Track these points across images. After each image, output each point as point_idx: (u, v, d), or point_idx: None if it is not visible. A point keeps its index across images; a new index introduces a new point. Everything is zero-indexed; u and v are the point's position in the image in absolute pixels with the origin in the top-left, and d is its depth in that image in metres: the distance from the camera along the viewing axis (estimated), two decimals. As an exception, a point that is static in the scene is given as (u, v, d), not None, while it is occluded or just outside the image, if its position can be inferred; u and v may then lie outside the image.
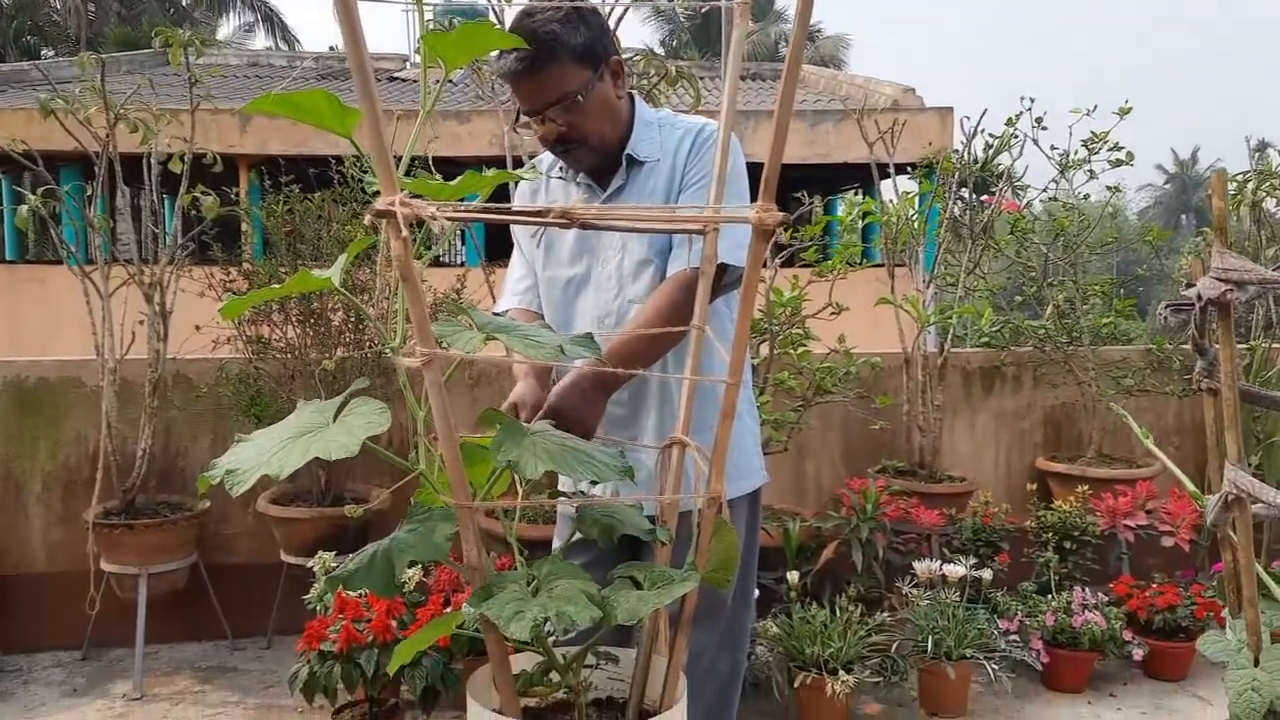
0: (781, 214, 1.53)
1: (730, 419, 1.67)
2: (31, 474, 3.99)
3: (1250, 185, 4.65)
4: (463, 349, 1.56)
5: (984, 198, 4.91)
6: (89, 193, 3.80)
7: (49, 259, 11.09)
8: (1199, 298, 1.06)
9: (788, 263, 4.16)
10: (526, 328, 1.71)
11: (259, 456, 1.46)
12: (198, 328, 3.75)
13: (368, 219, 1.45)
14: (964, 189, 4.70)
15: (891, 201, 4.60)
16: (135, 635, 3.63)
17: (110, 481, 3.76)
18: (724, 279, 2.07)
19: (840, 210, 4.58)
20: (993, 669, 3.35)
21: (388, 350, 1.59)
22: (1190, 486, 1.27)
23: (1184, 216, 43.40)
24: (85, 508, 3.77)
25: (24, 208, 3.42)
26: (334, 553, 3.38)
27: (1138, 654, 3.64)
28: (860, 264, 4.27)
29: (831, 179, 11.88)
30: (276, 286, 1.63)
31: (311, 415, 1.55)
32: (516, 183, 2.34)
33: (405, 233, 1.38)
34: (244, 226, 4.29)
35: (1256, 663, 1.10)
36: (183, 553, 3.77)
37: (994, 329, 5.01)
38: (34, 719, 3.37)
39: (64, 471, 4.01)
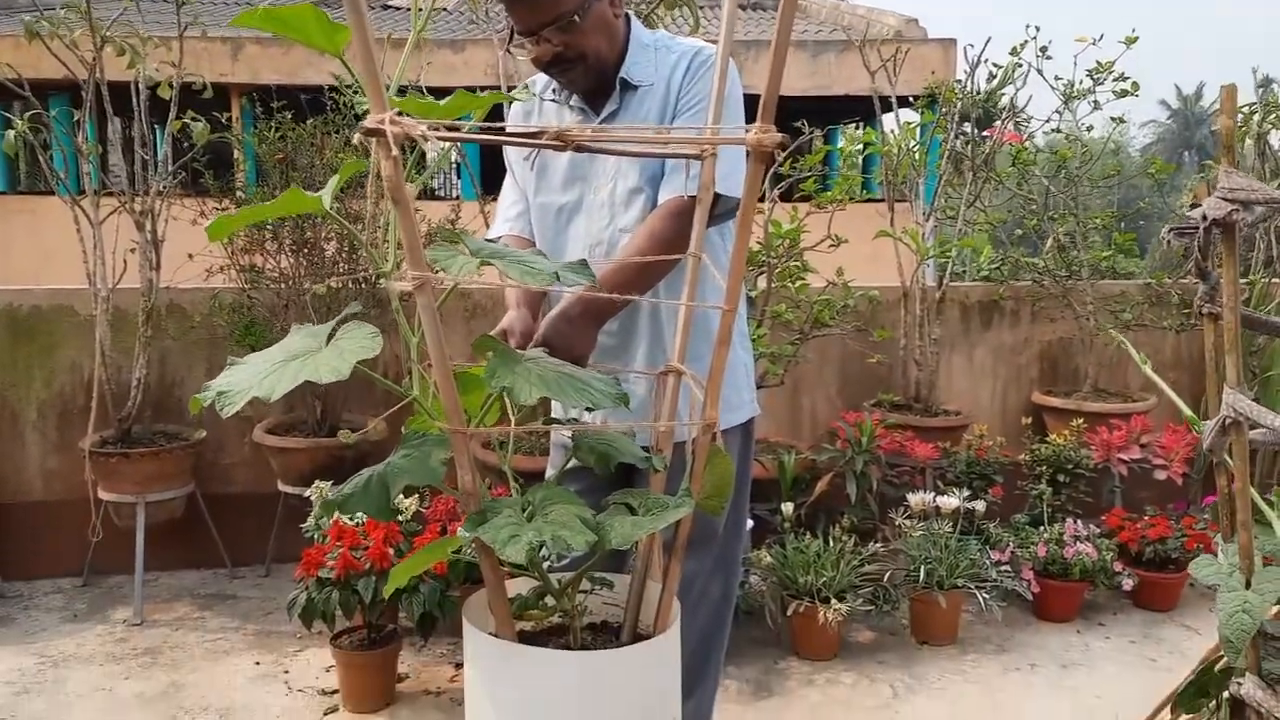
0: (781, 135, 1.50)
1: (726, 345, 1.65)
2: (27, 402, 3.99)
3: (1256, 118, 4.59)
4: (456, 273, 1.54)
5: (986, 131, 4.85)
6: (77, 119, 3.72)
7: (40, 190, 10.96)
8: (1204, 218, 1.04)
9: (786, 196, 4.11)
10: (521, 254, 1.69)
11: (250, 379, 1.45)
12: (190, 256, 3.71)
13: (357, 138, 1.42)
14: (966, 123, 4.63)
15: (893, 132, 4.54)
16: (134, 563, 3.66)
17: (106, 410, 3.76)
18: (717, 209, 2.03)
19: (841, 143, 4.50)
20: (984, 598, 3.39)
21: (381, 278, 1.57)
22: (1187, 411, 1.26)
23: (1187, 154, 42.98)
24: (81, 436, 3.78)
25: (11, 133, 3.37)
26: (330, 483, 3.39)
27: (1127, 584, 3.68)
28: (860, 194, 4.23)
29: (832, 112, 11.73)
30: (265, 205, 1.60)
31: (303, 339, 1.54)
32: (510, 105, 2.30)
33: (395, 152, 1.35)
34: (236, 155, 4.22)
35: (1248, 586, 1.10)
36: (179, 482, 3.78)
37: (993, 265, 4.98)
38: (35, 643, 3.41)
39: (59, 400, 4.01)
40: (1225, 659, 1.19)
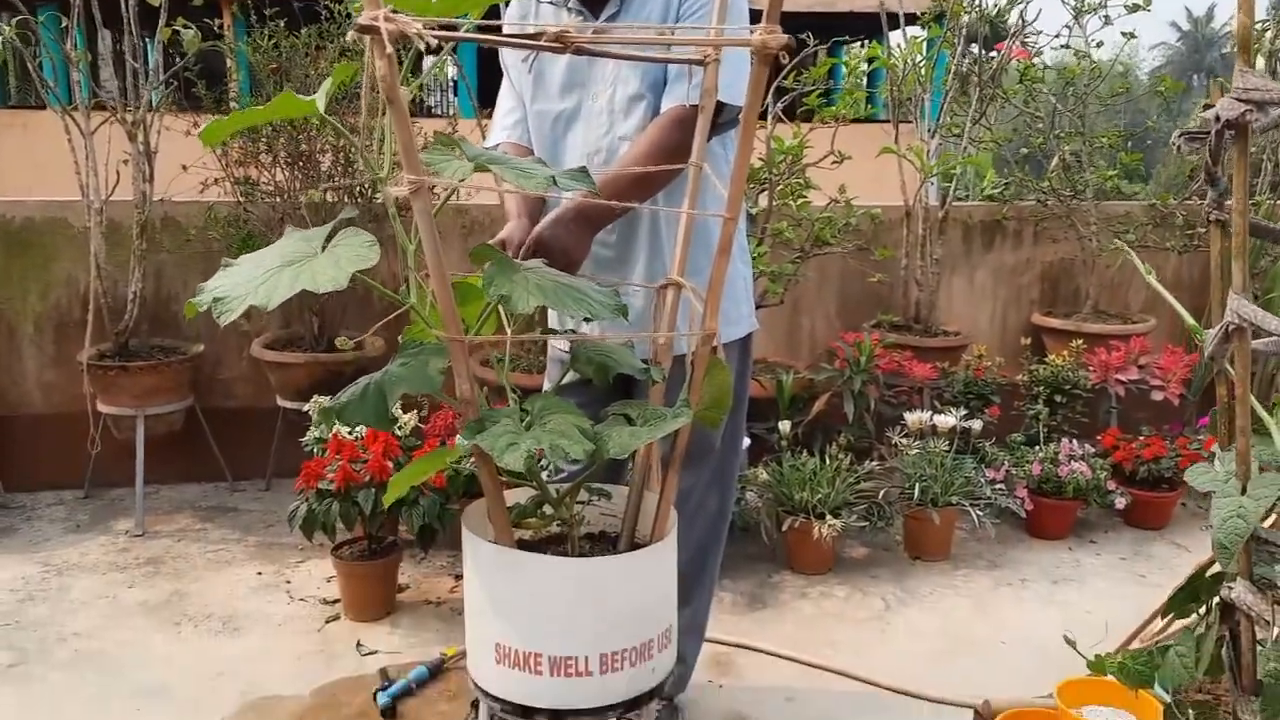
0: (786, 37, 1.46)
1: (727, 255, 1.64)
2: (23, 315, 3.97)
3: (1269, 35, 4.49)
4: (452, 176, 1.52)
5: (995, 47, 4.75)
6: (65, 25, 3.63)
7: (31, 104, 10.78)
8: (1216, 119, 1.02)
9: (788, 113, 4.04)
10: (518, 160, 1.66)
11: (246, 284, 1.44)
12: (184, 168, 3.67)
13: (351, 36, 1.38)
14: (973, 44, 4.53)
15: (899, 46, 4.45)
16: (135, 475, 3.69)
17: (102, 324, 3.75)
18: (720, 118, 1.99)
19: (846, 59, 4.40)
20: (977, 515, 3.42)
21: (376, 184, 1.54)
22: (1189, 320, 1.25)
23: (1196, 77, 42.25)
24: (78, 350, 3.77)
25: (-2, 39, 3.30)
26: (329, 397, 3.39)
27: (1120, 503, 3.72)
28: (865, 110, 4.16)
29: (838, 29, 11.50)
30: (259, 109, 1.57)
31: (298, 243, 1.52)
32: (507, 3, 2.24)
33: (390, 49, 1.32)
34: (229, 64, 4.14)
35: (1244, 492, 1.11)
36: (178, 395, 3.78)
37: (996, 189, 4.92)
38: (39, 553, 3.45)
39: (55, 313, 3.99)
40: (1217, 565, 1.20)
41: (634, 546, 1.78)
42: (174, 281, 4.03)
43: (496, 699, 1.59)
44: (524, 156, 2.04)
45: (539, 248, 1.88)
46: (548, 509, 1.74)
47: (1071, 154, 4.61)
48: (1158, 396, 4.07)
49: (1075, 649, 1.60)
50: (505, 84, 2.28)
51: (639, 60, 2.01)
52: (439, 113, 13.03)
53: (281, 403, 3.86)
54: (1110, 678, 1.55)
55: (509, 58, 2.23)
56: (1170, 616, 1.40)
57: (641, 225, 2.18)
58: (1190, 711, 1.45)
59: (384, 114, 1.57)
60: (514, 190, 1.81)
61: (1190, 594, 1.31)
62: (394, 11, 1.33)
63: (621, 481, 1.99)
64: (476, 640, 1.67)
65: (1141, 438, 3.90)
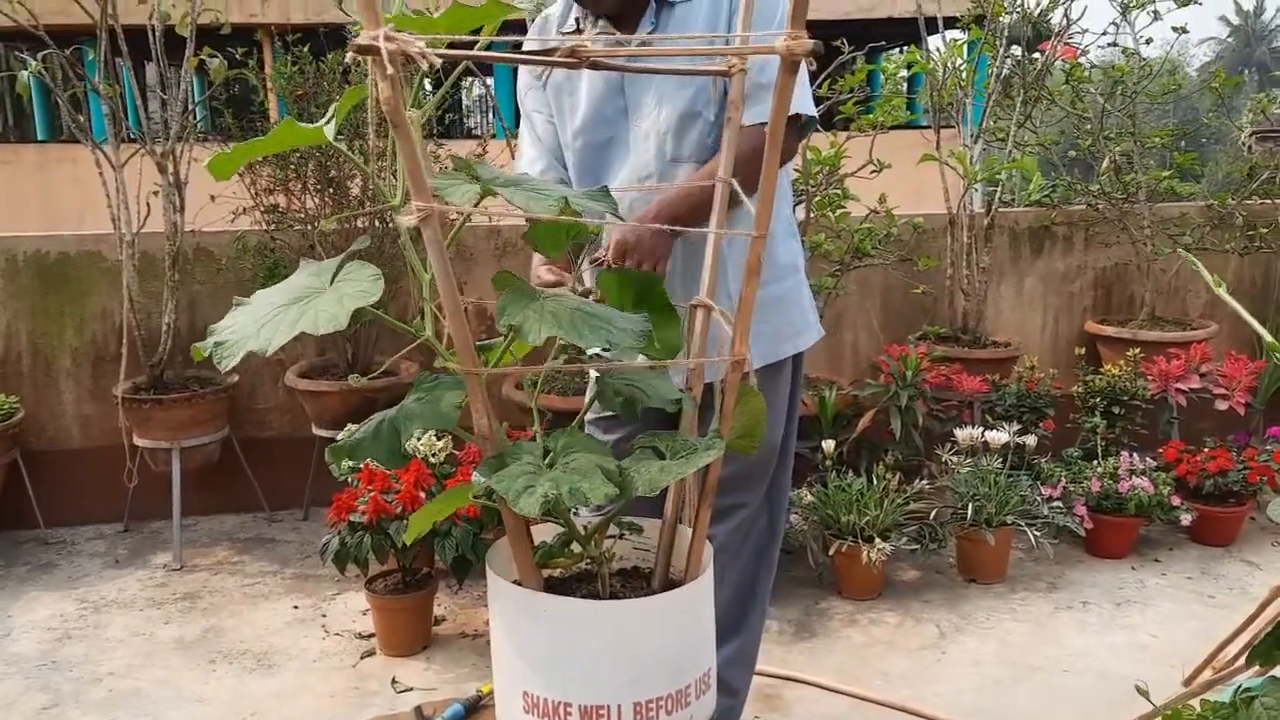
0: (812, 42, 1.36)
1: (756, 275, 1.54)
2: (60, 350, 3.97)
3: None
4: (459, 202, 1.44)
5: (1040, 47, 4.60)
6: (90, 57, 3.63)
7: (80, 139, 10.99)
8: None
9: (823, 122, 3.93)
10: (533, 180, 1.57)
11: (247, 327, 1.36)
12: (213, 198, 3.64)
13: (349, 56, 1.31)
14: (1015, 46, 4.38)
15: (938, 50, 4.32)
16: (172, 508, 3.66)
17: (137, 357, 3.73)
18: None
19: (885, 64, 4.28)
20: (1034, 535, 3.28)
21: (390, 211, 1.47)
22: (1267, 336, 1.13)
23: (1246, 72, 41.33)
24: (115, 383, 3.76)
25: (24, 73, 3.29)
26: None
27: (1186, 519, 3.54)
28: (905, 116, 4.04)
29: (876, 36, 11.37)
30: (261, 139, 1.50)
31: (308, 278, 1.44)
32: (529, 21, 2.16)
33: (390, 70, 1.24)
34: (263, 96, 4.12)
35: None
36: (214, 427, 3.76)
37: (1043, 193, 4.77)
38: (77, 589, 3.43)
39: (91, 348, 3.99)
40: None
41: (669, 584, 1.68)
42: (208, 312, 4.01)
43: (524, 752, 1.50)
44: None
45: (622, 245, 1.81)
46: (575, 546, 1.65)
47: (1122, 155, 4.44)
48: (1222, 406, 3.89)
49: (1148, 699, 1.47)
50: (524, 132, 2.18)
51: (681, 74, 1.92)
52: (479, 134, 13.08)
53: (317, 431, 3.82)
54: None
55: (530, 105, 2.15)
56: (1244, 644, 1.28)
57: (701, 246, 2.10)
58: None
59: (393, 142, 1.50)
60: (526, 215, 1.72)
61: (1277, 639, 1.18)
62: (396, 30, 1.26)
63: (661, 509, 1.90)
64: (504, 687, 1.58)
65: (1206, 450, 3.72)
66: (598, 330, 1.46)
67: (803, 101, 1.98)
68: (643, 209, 2.02)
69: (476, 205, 1.44)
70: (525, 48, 2.09)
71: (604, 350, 1.50)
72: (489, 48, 1.51)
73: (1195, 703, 1.33)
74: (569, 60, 1.51)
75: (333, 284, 1.40)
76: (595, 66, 1.55)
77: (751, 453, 1.68)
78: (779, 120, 1.44)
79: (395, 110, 1.29)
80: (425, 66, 1.28)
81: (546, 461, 1.45)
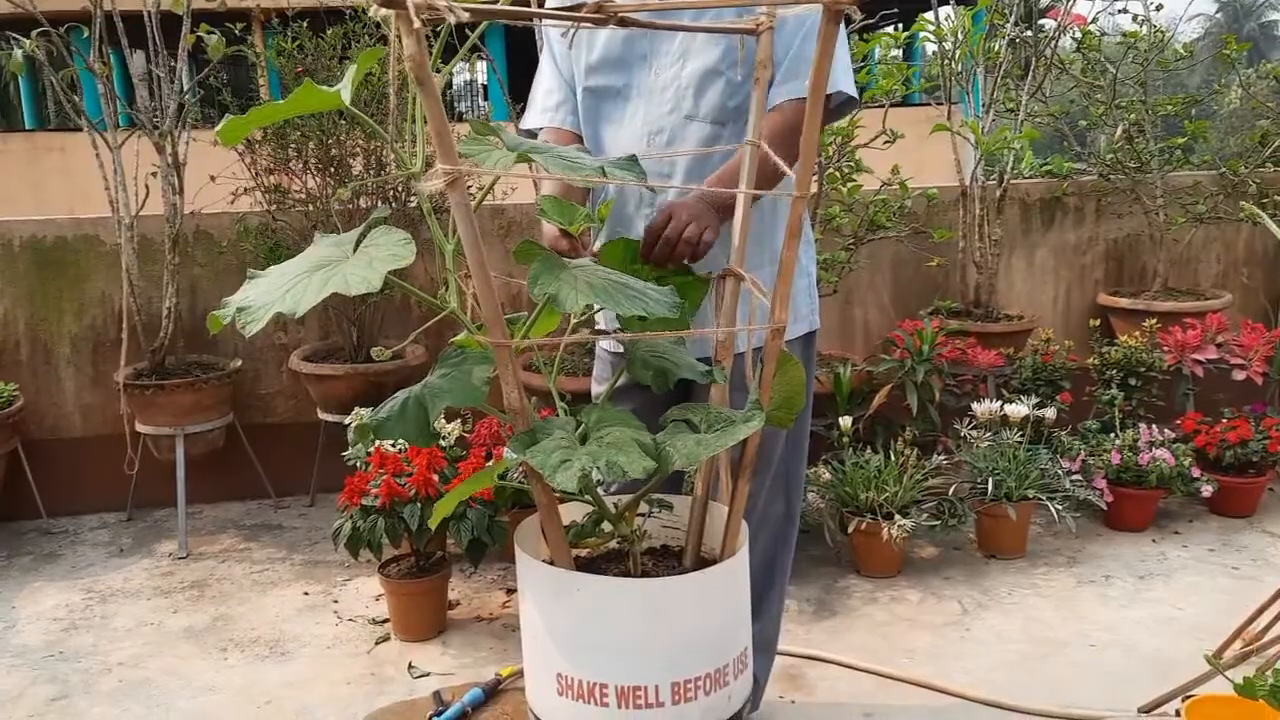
0: (858, -10, 1.30)
1: (797, 238, 1.48)
2: (59, 337, 3.90)
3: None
4: (492, 167, 1.38)
5: (1047, 14, 4.52)
6: (85, 34, 3.54)
7: (70, 126, 10.86)
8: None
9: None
10: (562, 149, 1.51)
11: (273, 293, 1.30)
12: (213, 178, 3.57)
13: (374, 10, 1.25)
14: (1022, 21, 4.30)
15: (948, 19, 4.24)
16: (176, 496, 3.60)
17: (137, 342, 3.66)
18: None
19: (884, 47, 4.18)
20: (1056, 509, 3.23)
21: (410, 184, 1.41)
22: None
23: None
24: (115, 370, 3.69)
25: (18, 52, 3.21)
26: (370, 409, 3.27)
27: (1206, 490, 3.50)
28: (911, 90, 3.97)
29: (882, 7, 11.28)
30: (280, 103, 1.43)
31: (329, 248, 1.38)
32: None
33: (417, 23, 1.18)
34: (255, 72, 4.04)
35: None
36: (217, 413, 3.69)
37: (1034, 171, 4.71)
38: (83, 579, 3.37)
39: (91, 333, 3.91)
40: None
41: (701, 562, 1.63)
42: (209, 296, 3.94)
43: (560, 736, 1.45)
44: (568, 144, 1.90)
45: (670, 216, 1.74)
46: (605, 525, 1.60)
47: (1134, 123, 4.37)
48: (1239, 376, 3.83)
49: (1218, 668, 1.42)
50: (545, 60, 2.12)
51: (708, 31, 1.85)
52: (469, 118, 12.96)
53: (323, 416, 3.76)
54: (1234, 694, 1.37)
55: (553, 30, 2.08)
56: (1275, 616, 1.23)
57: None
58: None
59: (414, 106, 1.43)
60: (558, 179, 1.65)
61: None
62: (419, -16, 1.19)
63: (682, 488, 1.84)
64: (535, 669, 1.53)
65: (1225, 420, 3.68)
66: (634, 299, 1.41)
67: (842, 79, 1.91)
68: (655, 174, 1.96)
69: (507, 171, 1.37)
70: (550, 3, 2.02)
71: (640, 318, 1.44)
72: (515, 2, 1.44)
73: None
74: (595, 16, 1.45)
75: (356, 251, 1.33)
76: (623, 23, 1.48)
77: (788, 426, 1.62)
78: (822, 75, 1.38)
79: (420, 66, 1.22)
80: (451, 20, 1.22)
81: (579, 435, 1.39)
